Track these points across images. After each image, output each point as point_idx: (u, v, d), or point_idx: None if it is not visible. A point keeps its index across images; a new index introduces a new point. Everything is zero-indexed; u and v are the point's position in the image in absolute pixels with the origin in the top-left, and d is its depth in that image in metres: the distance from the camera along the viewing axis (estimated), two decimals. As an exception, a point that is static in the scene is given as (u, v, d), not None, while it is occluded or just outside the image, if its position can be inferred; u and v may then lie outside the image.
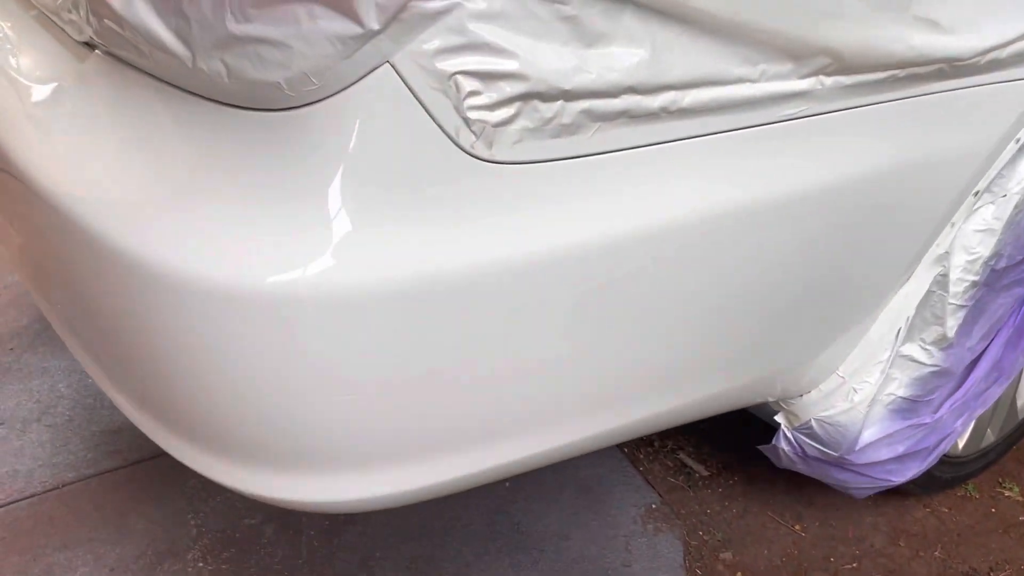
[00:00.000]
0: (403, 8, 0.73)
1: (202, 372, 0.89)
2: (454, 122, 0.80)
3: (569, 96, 0.83)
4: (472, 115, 0.80)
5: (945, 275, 1.29)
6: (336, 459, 0.95)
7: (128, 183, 0.90)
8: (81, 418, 1.91)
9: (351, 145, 0.81)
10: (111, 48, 0.95)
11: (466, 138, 0.82)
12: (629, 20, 0.83)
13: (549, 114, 0.83)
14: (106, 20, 0.89)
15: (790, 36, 0.91)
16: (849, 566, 1.66)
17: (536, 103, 0.82)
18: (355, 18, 0.73)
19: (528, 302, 0.91)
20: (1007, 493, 1.85)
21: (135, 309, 0.90)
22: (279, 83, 0.77)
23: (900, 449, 1.45)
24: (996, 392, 1.57)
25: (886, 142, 1.09)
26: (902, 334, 1.32)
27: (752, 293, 1.09)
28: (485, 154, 0.83)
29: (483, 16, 0.77)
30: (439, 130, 0.81)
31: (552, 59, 0.81)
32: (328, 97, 0.79)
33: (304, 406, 0.88)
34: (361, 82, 0.78)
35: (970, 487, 1.84)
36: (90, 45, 1.02)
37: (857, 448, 1.39)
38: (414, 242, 0.83)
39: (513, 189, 0.86)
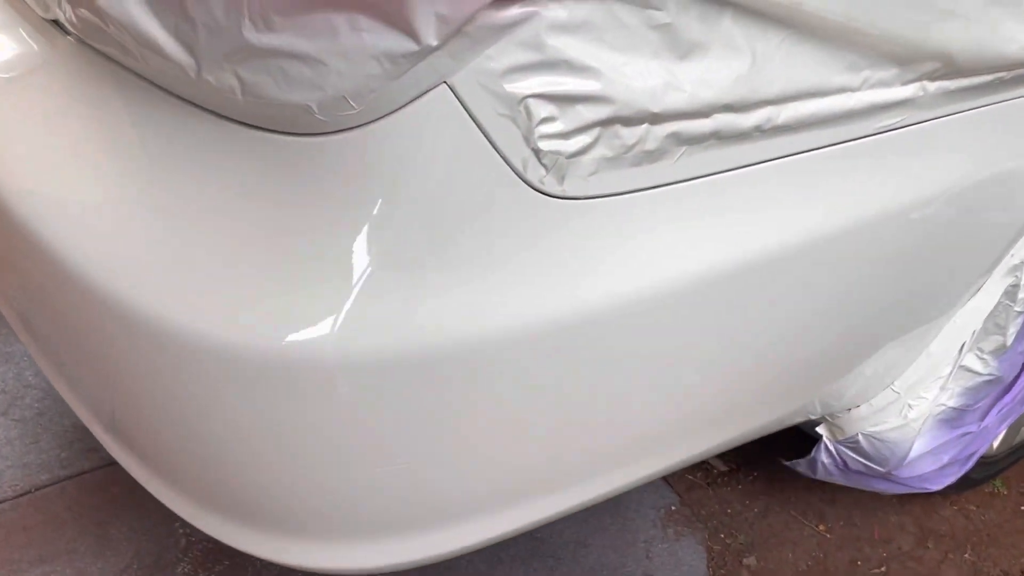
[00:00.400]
0: (470, 20, 0.58)
1: (208, 438, 0.75)
2: (522, 154, 0.66)
3: (657, 119, 0.69)
4: (543, 145, 0.66)
5: (1016, 285, 1.18)
6: (364, 529, 0.82)
7: (112, 213, 0.74)
8: (52, 411, 1.76)
9: (393, 181, 0.66)
10: (88, 39, 0.79)
11: (535, 172, 0.67)
12: (729, 26, 0.69)
13: (631, 140, 0.69)
14: (82, 10, 0.72)
15: (904, 38, 0.78)
16: (877, 570, 1.58)
17: (617, 128, 0.68)
18: (409, 32, 0.58)
19: (609, 351, 0.78)
20: (1035, 488, 1.79)
21: (129, 365, 0.75)
22: (309, 106, 0.62)
23: (944, 459, 1.37)
24: (1040, 394, 1.49)
25: (981, 150, 0.96)
26: (966, 348, 1.21)
27: (836, 317, 0.97)
28: (556, 190, 0.69)
29: (564, 27, 0.62)
30: (503, 163, 0.66)
31: (640, 77, 0.66)
32: (368, 123, 0.64)
33: (336, 481, 0.75)
34: (409, 106, 0.63)
35: (997, 483, 1.77)
36: (61, 26, 0.85)
37: (905, 463, 1.30)
38: (467, 296, 0.69)
39: (587, 229, 0.71)
